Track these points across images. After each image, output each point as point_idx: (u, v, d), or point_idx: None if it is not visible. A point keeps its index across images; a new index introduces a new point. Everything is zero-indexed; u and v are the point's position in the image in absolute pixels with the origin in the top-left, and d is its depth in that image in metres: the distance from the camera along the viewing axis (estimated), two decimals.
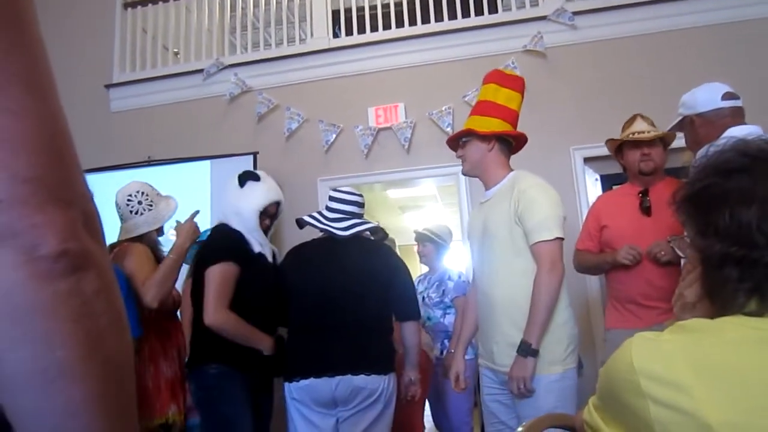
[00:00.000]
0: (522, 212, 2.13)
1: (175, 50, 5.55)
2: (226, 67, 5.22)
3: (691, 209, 0.84)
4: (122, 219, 2.63)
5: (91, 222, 0.50)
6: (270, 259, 2.64)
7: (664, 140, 2.68)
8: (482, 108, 2.35)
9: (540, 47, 4.57)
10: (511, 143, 2.39)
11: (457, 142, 2.42)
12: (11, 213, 0.43)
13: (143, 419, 2.39)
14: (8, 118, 0.45)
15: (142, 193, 2.62)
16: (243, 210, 2.55)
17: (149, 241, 2.61)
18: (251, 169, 4.58)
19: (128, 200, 2.61)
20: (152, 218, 2.57)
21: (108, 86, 5.45)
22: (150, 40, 5.49)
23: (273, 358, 2.51)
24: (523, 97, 2.39)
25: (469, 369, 3.36)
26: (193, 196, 4.56)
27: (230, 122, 5.15)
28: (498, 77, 2.37)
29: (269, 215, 2.67)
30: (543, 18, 4.67)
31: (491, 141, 2.31)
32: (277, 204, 2.69)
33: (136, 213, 2.57)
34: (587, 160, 4.42)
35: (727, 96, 2.23)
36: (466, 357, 3.33)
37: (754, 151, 0.79)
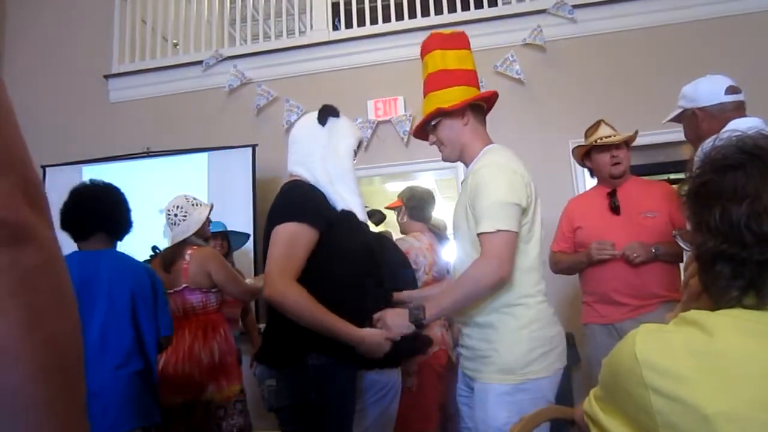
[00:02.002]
0: (471, 198, 1.83)
1: (175, 41, 5.53)
2: (225, 59, 5.21)
3: (690, 204, 0.85)
4: (171, 230, 3.05)
5: (32, 190, 0.45)
6: (362, 216, 2.07)
7: (627, 142, 2.81)
8: (437, 80, 1.99)
9: (540, 41, 4.57)
10: (483, 107, 2.05)
11: (425, 129, 2.07)
12: None
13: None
14: None
15: (178, 206, 3.01)
16: (338, 150, 2.04)
17: (200, 241, 2.99)
18: (250, 162, 4.61)
19: (167, 215, 3.03)
20: (186, 227, 2.95)
21: (107, 77, 5.43)
22: (149, 31, 5.47)
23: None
24: (471, 53, 2.06)
25: None
26: (191, 188, 4.56)
27: (229, 114, 5.14)
28: (439, 41, 2.03)
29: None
30: (543, 11, 4.66)
31: (465, 113, 1.96)
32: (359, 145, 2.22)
33: (174, 224, 2.98)
34: None
35: (730, 90, 2.22)
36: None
37: (750, 148, 0.79)
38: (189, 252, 2.87)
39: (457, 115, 1.96)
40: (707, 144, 1.79)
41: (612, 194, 2.78)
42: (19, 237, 0.43)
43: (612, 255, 2.60)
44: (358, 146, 2.14)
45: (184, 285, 2.82)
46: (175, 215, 2.99)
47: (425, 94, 2.03)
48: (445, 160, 2.08)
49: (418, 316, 1.81)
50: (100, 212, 2.36)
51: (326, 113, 2.10)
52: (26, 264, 0.43)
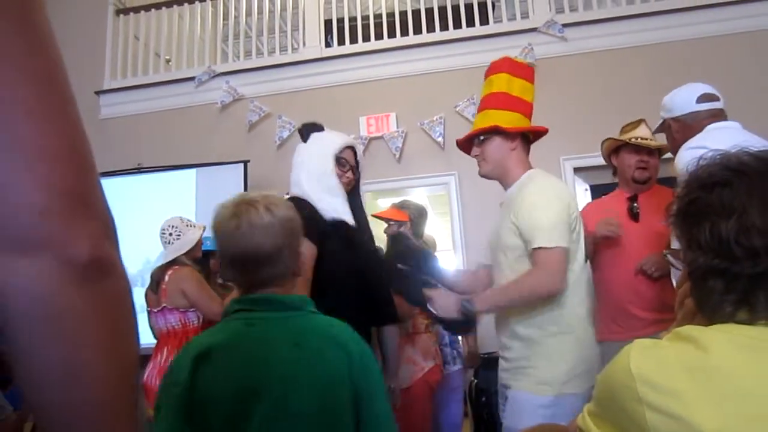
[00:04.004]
0: (520, 219, 1.89)
1: (167, 57, 5.55)
2: (217, 75, 5.22)
3: (679, 223, 0.86)
4: (164, 249, 3.11)
5: (111, 231, 0.53)
6: (351, 221, 2.04)
7: (660, 150, 2.66)
8: (497, 100, 2.04)
9: (530, 58, 4.61)
10: (530, 139, 2.13)
11: (471, 140, 2.10)
12: (49, 223, 0.47)
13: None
14: (39, 132, 0.48)
15: (173, 226, 3.09)
16: (313, 161, 2.04)
17: (189, 261, 3.03)
18: (241, 178, 4.60)
19: (161, 234, 3.09)
20: (178, 246, 3.01)
21: (98, 93, 5.43)
22: (142, 47, 5.49)
23: None
24: (534, 87, 2.14)
25: (458, 379, 3.35)
26: (180, 204, 4.55)
27: (221, 130, 5.14)
28: (509, 66, 2.09)
29: (348, 167, 2.13)
30: (533, 30, 4.72)
31: (516, 139, 2.02)
32: (354, 152, 2.16)
33: (168, 243, 3.04)
34: (577, 170, 4.45)
35: (703, 98, 2.13)
36: (455, 367, 3.33)
37: (735, 165, 0.81)
38: (170, 272, 2.90)
39: (508, 138, 2.02)
40: (684, 161, 1.79)
41: (632, 199, 2.61)
42: (107, 272, 0.50)
43: (613, 233, 2.47)
44: (350, 149, 2.12)
45: (163, 305, 2.87)
46: (170, 234, 3.07)
47: (482, 110, 2.09)
48: (482, 175, 2.12)
49: (467, 307, 1.86)
50: None
51: (308, 130, 2.14)
52: (111, 295, 0.51)
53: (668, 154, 2.51)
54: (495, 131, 2.01)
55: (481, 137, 2.05)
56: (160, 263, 3.07)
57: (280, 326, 1.26)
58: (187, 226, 3.11)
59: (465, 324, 1.99)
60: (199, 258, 3.15)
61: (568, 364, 1.83)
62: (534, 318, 1.88)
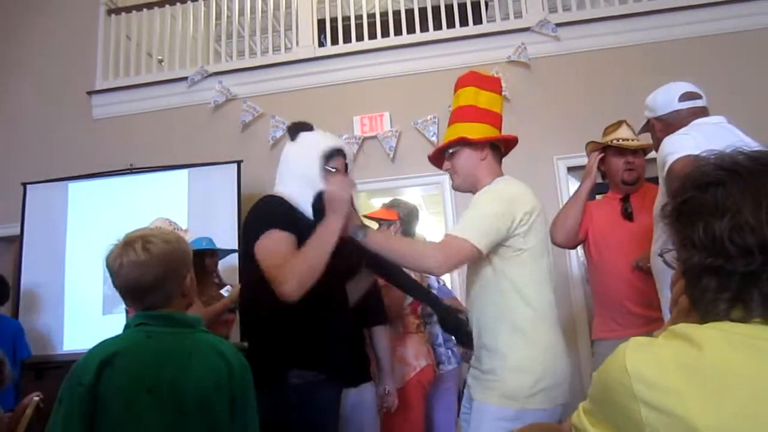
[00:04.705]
0: None
1: (160, 58, 5.53)
2: (210, 75, 5.21)
3: (673, 223, 0.87)
4: None
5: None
6: None
7: (645, 150, 2.70)
8: (464, 113, 2.06)
9: (524, 58, 4.62)
10: (501, 149, 2.13)
11: (442, 154, 2.11)
12: None
13: None
14: None
15: (159, 228, 3.05)
16: (299, 161, 2.04)
17: None
18: (235, 178, 4.59)
19: None
20: None
21: (90, 93, 5.40)
22: (134, 47, 5.47)
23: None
24: (501, 98, 2.16)
25: (452, 378, 3.35)
26: (172, 204, 4.54)
27: (215, 130, 5.13)
28: (476, 79, 2.11)
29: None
30: (527, 29, 4.73)
31: (484, 149, 2.02)
32: (343, 155, 2.12)
33: None
34: (570, 170, 4.46)
35: (685, 96, 2.14)
36: (449, 366, 3.33)
37: (729, 165, 0.82)
38: None
39: (476, 149, 2.02)
40: (667, 147, 1.80)
41: (625, 200, 2.67)
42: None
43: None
44: (339, 152, 2.09)
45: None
46: None
47: (451, 124, 2.10)
48: (455, 188, 2.14)
49: (356, 233, 1.87)
50: None
51: (296, 129, 2.11)
52: None
53: (653, 153, 2.49)
54: (462, 143, 2.01)
55: (450, 150, 2.05)
56: None
57: (174, 339, 1.53)
58: (173, 229, 3.09)
59: (461, 332, 2.07)
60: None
61: (534, 376, 1.78)
62: (495, 327, 1.85)
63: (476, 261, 1.91)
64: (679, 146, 1.87)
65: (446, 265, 1.83)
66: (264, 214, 1.96)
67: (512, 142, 2.13)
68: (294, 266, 1.76)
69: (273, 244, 1.84)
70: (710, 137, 1.81)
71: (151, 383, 1.44)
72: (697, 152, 1.66)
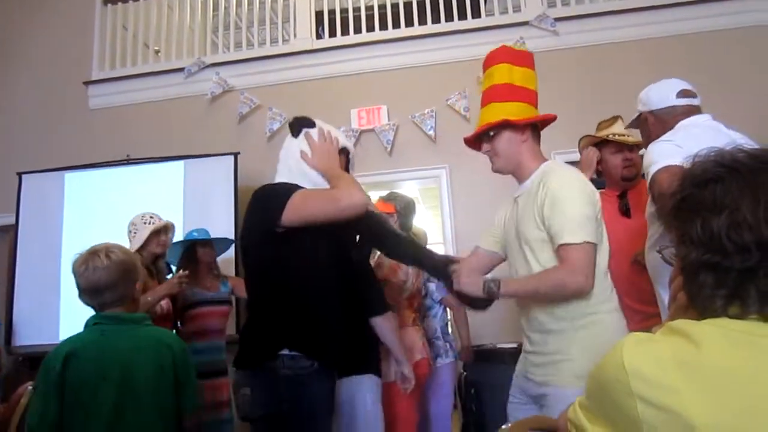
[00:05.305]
0: (546, 214, 1.84)
1: (156, 48, 5.50)
2: (207, 66, 5.18)
3: (672, 220, 0.87)
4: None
5: None
6: None
7: (639, 146, 2.69)
8: (500, 92, 1.99)
9: None
10: (539, 128, 2.08)
11: (480, 137, 2.05)
12: None
13: None
14: None
15: (133, 223, 3.31)
16: (305, 159, 2.05)
17: (145, 259, 3.13)
18: (231, 170, 4.58)
19: (128, 230, 3.31)
20: (134, 243, 3.21)
21: (87, 83, 5.37)
22: (131, 38, 5.43)
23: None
24: (535, 74, 2.10)
25: (449, 372, 3.36)
26: (168, 196, 4.54)
27: (211, 122, 5.11)
28: (508, 55, 2.05)
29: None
30: (525, 23, 4.72)
31: (525, 130, 1.98)
32: (346, 153, 2.17)
33: (130, 241, 3.25)
34: (568, 165, 4.45)
35: (682, 93, 2.15)
36: (446, 360, 3.34)
37: (729, 162, 0.82)
38: None
39: (518, 131, 1.98)
40: (652, 154, 1.80)
41: (622, 196, 2.69)
42: None
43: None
44: (342, 151, 2.12)
45: None
46: (129, 231, 3.30)
47: (486, 103, 2.03)
48: (495, 170, 2.08)
49: (492, 289, 1.85)
50: None
51: (299, 125, 2.10)
52: None
53: (643, 150, 2.50)
54: (504, 125, 1.96)
55: (491, 132, 1.99)
56: None
57: (124, 334, 1.95)
58: (144, 223, 3.28)
59: (487, 301, 2.00)
60: (156, 254, 3.31)
61: (602, 353, 1.79)
62: (562, 312, 1.85)
63: (534, 244, 1.90)
64: (661, 155, 1.88)
65: (587, 277, 1.77)
66: (277, 188, 1.97)
67: (550, 121, 2.10)
68: (341, 185, 1.86)
69: (305, 194, 1.89)
70: (699, 139, 1.81)
71: (105, 372, 1.85)
72: (680, 159, 1.69)
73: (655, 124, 2.16)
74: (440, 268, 2.08)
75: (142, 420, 1.87)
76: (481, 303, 2.00)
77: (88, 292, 1.95)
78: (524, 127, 1.98)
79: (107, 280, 1.92)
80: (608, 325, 1.84)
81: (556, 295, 1.83)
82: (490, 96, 2.02)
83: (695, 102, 2.15)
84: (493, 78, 2.03)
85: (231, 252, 4.17)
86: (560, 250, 1.79)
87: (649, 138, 2.17)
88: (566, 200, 1.81)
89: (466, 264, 2.07)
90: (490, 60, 2.08)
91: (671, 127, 2.05)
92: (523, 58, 2.07)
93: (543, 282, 1.84)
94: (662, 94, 2.18)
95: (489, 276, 2.00)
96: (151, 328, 2.06)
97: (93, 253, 1.95)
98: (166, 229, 3.35)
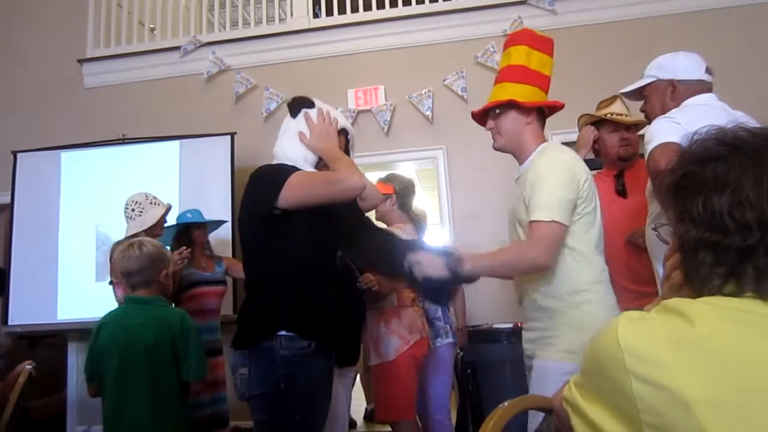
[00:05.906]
0: (526, 193, 1.89)
1: (152, 26, 5.44)
2: (203, 45, 5.14)
3: (671, 197, 0.86)
4: (127, 224, 3.22)
5: None
6: None
7: (637, 125, 2.70)
8: (514, 73, 2.03)
9: None
10: (545, 113, 2.11)
11: (485, 112, 2.09)
12: None
13: None
14: None
15: (136, 202, 3.22)
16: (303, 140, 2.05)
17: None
18: (228, 151, 4.56)
19: (125, 208, 3.21)
20: (140, 223, 3.15)
21: (81, 61, 5.32)
22: (125, 15, 5.37)
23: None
24: (552, 60, 2.12)
25: (448, 352, 3.38)
26: (164, 176, 4.52)
27: (207, 101, 5.08)
28: (529, 38, 2.07)
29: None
30: (523, 2, 4.68)
31: (531, 113, 2.02)
32: (345, 134, 2.16)
33: (130, 218, 3.17)
34: (565, 145, 4.44)
35: (708, 71, 2.15)
36: (446, 340, 3.36)
37: (731, 140, 0.81)
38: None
39: (523, 112, 2.01)
40: (654, 130, 1.80)
41: (619, 176, 2.69)
42: None
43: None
44: (342, 132, 2.11)
45: (111, 279, 3.07)
46: (132, 210, 3.21)
47: (498, 81, 2.07)
48: (496, 148, 2.11)
49: (455, 266, 1.85)
50: None
51: (298, 105, 2.09)
52: None
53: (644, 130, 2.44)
54: (510, 105, 2.00)
55: (497, 110, 2.03)
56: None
57: (136, 312, 2.42)
58: (150, 203, 3.21)
59: (443, 293, 2.02)
60: (160, 236, 3.17)
61: (590, 331, 1.81)
62: (554, 290, 1.89)
63: (525, 226, 1.91)
64: (659, 132, 1.88)
65: (550, 253, 1.81)
66: (274, 170, 1.98)
67: (558, 108, 2.13)
68: (340, 167, 1.89)
69: (303, 175, 1.91)
70: (702, 118, 1.80)
71: (115, 344, 2.35)
72: (678, 137, 1.65)
73: (681, 92, 2.10)
74: (398, 270, 1.95)
75: (137, 388, 2.31)
76: (438, 295, 2.05)
77: (123, 275, 2.45)
78: (530, 109, 2.01)
79: (138, 266, 2.40)
80: (599, 305, 1.88)
81: (517, 269, 1.93)
82: (505, 75, 2.07)
83: (711, 81, 2.14)
84: (510, 58, 2.07)
85: (228, 233, 4.17)
86: (530, 227, 1.84)
87: (663, 104, 2.13)
88: (545, 180, 1.85)
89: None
90: (512, 40, 2.11)
91: (679, 102, 2.05)
92: (543, 44, 2.09)
93: (505, 257, 1.93)
94: (691, 65, 2.15)
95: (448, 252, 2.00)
96: (159, 308, 2.47)
97: (130, 244, 2.46)
98: (167, 210, 3.36)
